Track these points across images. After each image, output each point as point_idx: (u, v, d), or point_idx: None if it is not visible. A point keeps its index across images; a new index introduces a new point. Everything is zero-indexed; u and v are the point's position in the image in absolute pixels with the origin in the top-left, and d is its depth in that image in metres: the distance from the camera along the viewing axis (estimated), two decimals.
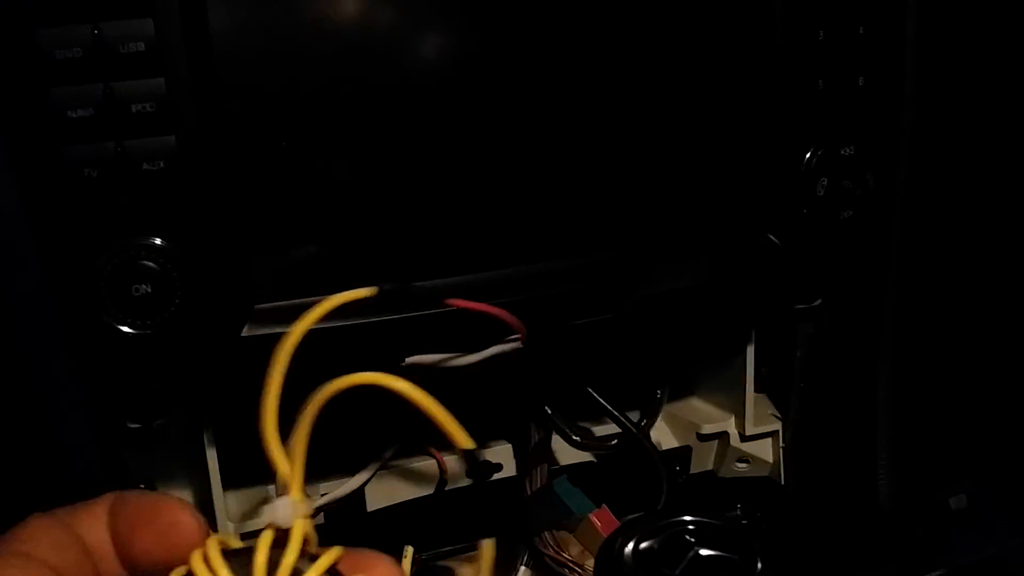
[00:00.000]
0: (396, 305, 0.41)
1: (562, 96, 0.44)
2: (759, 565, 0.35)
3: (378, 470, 0.53)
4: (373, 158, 0.42)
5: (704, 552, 0.36)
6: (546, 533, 0.54)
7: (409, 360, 0.43)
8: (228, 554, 0.28)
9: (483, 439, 0.58)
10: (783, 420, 0.59)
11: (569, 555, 0.53)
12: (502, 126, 0.44)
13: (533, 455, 0.56)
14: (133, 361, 0.40)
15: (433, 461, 0.56)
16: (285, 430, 0.29)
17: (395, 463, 0.55)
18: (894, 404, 0.55)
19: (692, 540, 0.36)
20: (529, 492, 0.55)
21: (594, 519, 0.54)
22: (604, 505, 0.55)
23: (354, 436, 0.49)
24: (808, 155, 0.48)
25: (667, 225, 0.47)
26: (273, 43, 0.39)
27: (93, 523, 0.29)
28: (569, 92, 0.44)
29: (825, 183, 0.48)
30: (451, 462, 0.56)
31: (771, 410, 0.60)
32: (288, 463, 0.29)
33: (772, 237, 0.48)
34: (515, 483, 0.57)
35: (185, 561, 0.28)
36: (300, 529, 0.28)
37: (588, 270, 0.47)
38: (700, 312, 0.52)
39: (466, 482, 0.57)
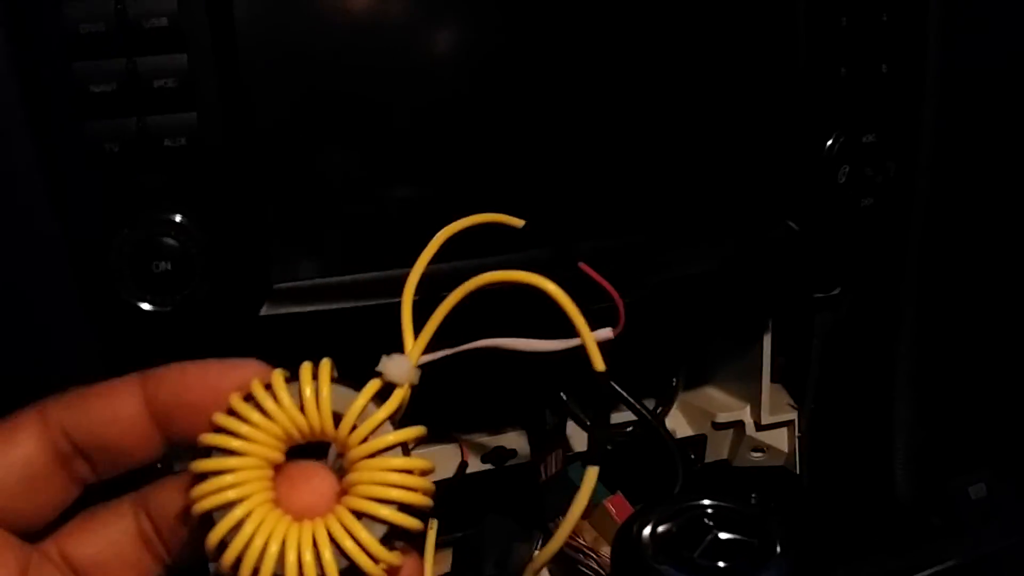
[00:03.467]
0: (536, 244, 0.40)
1: (585, 83, 0.44)
2: (778, 548, 0.35)
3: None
4: (393, 138, 0.42)
5: (723, 536, 0.36)
6: (561, 519, 0.53)
7: (492, 342, 0.42)
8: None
9: (498, 425, 0.58)
10: (799, 410, 0.59)
11: (584, 541, 0.53)
12: (524, 110, 0.44)
13: (548, 441, 0.56)
14: (152, 339, 0.40)
15: (456, 446, 0.56)
16: None
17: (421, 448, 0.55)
18: (913, 393, 0.54)
19: (711, 524, 0.36)
20: (544, 478, 0.55)
21: (609, 505, 0.54)
22: (619, 492, 0.54)
23: None
24: (830, 142, 0.47)
25: (688, 210, 0.47)
26: (296, 21, 0.39)
27: (118, 401, 0.29)
28: (592, 79, 0.44)
29: (846, 170, 0.48)
30: (471, 448, 0.57)
31: (787, 400, 0.60)
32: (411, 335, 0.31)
33: (792, 224, 0.48)
34: (530, 469, 0.57)
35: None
36: (404, 391, 0.29)
37: (607, 254, 0.46)
38: (718, 299, 0.52)
39: (484, 467, 0.57)
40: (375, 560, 0.27)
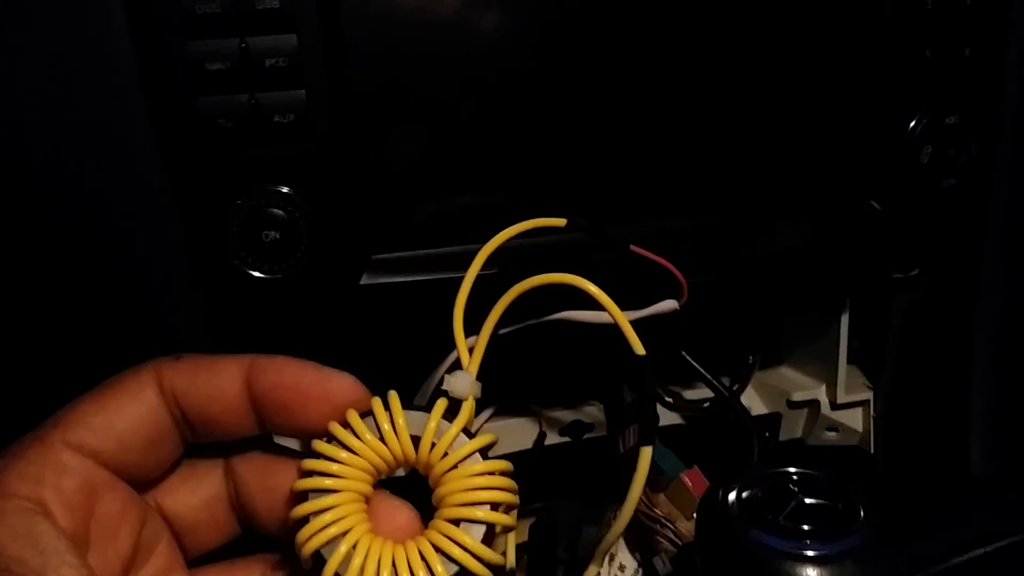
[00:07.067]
0: (582, 240, 0.41)
1: (660, 62, 0.45)
2: (862, 513, 0.36)
3: (481, 425, 0.55)
4: (489, 118, 0.43)
5: (807, 501, 0.37)
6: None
7: (562, 315, 0.43)
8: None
9: (576, 399, 0.60)
10: (875, 390, 0.59)
11: (660, 513, 0.54)
12: (612, 89, 0.45)
13: (625, 415, 0.57)
14: (259, 306, 0.42)
15: (534, 419, 0.58)
16: None
17: (497, 419, 0.57)
18: (989, 374, 0.55)
19: (795, 489, 0.37)
20: (622, 451, 0.56)
21: (685, 479, 0.55)
22: (695, 465, 0.56)
23: None
24: (913, 123, 0.48)
25: (771, 188, 0.48)
26: (397, 7, 0.41)
27: (223, 379, 0.31)
28: (669, 58, 0.45)
29: (929, 151, 0.48)
30: (550, 421, 0.58)
31: (862, 380, 0.61)
32: (467, 351, 0.33)
33: (874, 204, 0.48)
34: (607, 442, 0.58)
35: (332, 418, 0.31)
36: (471, 404, 0.31)
37: (691, 232, 0.47)
38: (797, 279, 0.52)
39: (562, 440, 0.58)
40: (481, 561, 0.29)
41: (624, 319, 0.34)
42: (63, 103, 0.39)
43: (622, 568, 0.56)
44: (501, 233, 0.36)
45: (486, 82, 0.42)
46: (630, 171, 0.46)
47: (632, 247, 0.41)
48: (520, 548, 0.53)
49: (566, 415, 0.59)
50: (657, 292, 0.44)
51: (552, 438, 0.59)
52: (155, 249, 0.42)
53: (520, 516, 0.55)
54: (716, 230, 0.48)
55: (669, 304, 0.44)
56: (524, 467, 0.58)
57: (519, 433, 0.58)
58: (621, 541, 0.58)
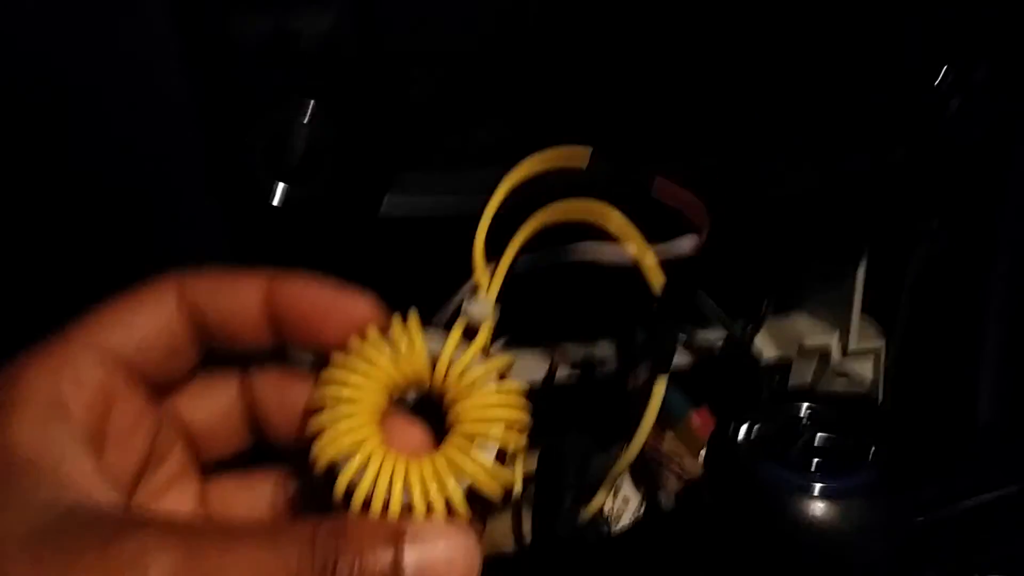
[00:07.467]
0: (605, 174, 0.41)
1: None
2: (872, 451, 0.36)
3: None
4: (518, 45, 0.43)
5: (819, 436, 0.37)
6: None
7: (581, 247, 0.43)
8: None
9: (589, 336, 0.60)
10: (887, 339, 0.60)
11: (667, 449, 0.55)
12: (637, 25, 0.44)
13: (637, 353, 0.57)
14: (280, 228, 0.43)
15: (547, 352, 0.58)
16: None
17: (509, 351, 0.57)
18: (1002, 327, 0.55)
19: (807, 423, 0.38)
20: (631, 387, 0.57)
21: (694, 417, 0.55)
22: (704, 405, 0.56)
23: None
24: (943, 73, 0.47)
25: (799, 129, 0.48)
26: None
27: (244, 294, 0.32)
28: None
29: (957, 103, 0.48)
30: (562, 355, 0.58)
31: (874, 329, 0.61)
32: (487, 275, 0.33)
33: (901, 151, 0.48)
34: (618, 378, 0.58)
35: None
36: (488, 327, 0.32)
37: (712, 172, 0.47)
38: (817, 223, 0.52)
39: (572, 375, 0.59)
40: (492, 478, 0.30)
41: (646, 247, 0.34)
42: (84, 19, 0.39)
43: (626, 501, 0.57)
44: (527, 160, 0.36)
45: (518, 7, 0.42)
46: (652, 110, 0.46)
47: (659, 178, 0.41)
48: (527, 480, 0.54)
49: (578, 351, 0.59)
50: (676, 235, 0.44)
51: (563, 373, 0.59)
52: (178, 165, 0.42)
53: (529, 449, 0.56)
54: (738, 170, 0.48)
55: (689, 242, 0.44)
56: (535, 402, 0.59)
57: (530, 367, 0.58)
58: (626, 476, 0.58)
